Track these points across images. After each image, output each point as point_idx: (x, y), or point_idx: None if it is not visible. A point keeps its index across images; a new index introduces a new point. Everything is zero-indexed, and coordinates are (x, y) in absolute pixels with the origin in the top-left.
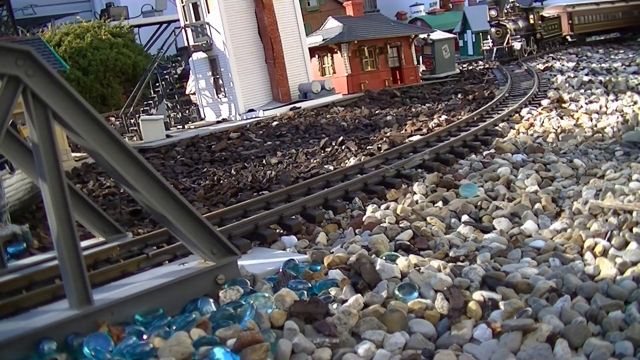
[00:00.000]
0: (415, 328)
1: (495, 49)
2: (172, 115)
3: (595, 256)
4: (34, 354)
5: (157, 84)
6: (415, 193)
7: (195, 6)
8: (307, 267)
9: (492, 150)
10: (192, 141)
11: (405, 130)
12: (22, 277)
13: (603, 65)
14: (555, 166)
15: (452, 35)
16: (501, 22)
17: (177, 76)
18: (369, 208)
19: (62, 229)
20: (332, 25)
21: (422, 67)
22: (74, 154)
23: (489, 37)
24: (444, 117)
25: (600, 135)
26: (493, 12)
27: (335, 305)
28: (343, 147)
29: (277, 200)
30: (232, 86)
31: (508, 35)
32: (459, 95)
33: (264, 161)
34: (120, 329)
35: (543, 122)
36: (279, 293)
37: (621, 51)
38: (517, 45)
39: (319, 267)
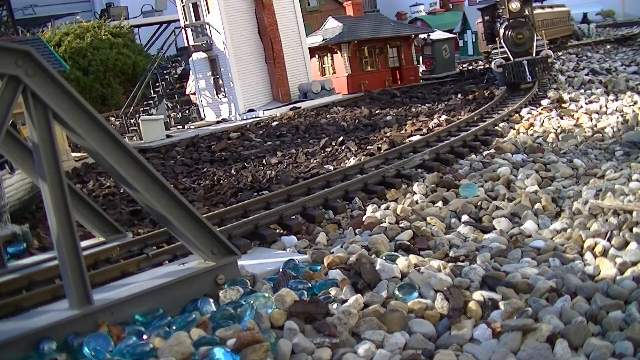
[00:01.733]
0: (415, 328)
1: (527, 63)
2: (172, 115)
3: (595, 256)
4: (34, 354)
5: (157, 84)
6: (415, 193)
7: (195, 6)
8: (307, 267)
9: (492, 150)
10: (192, 141)
11: (405, 130)
12: (22, 277)
13: (603, 65)
14: (555, 166)
15: (452, 35)
16: (526, 20)
17: (177, 76)
18: (369, 208)
19: (62, 229)
20: (332, 25)
21: (422, 67)
22: (74, 154)
23: (501, 43)
24: (444, 117)
25: (600, 135)
26: (514, 5)
27: (335, 305)
28: (343, 147)
29: (277, 200)
30: (232, 86)
31: (535, 40)
32: (459, 95)
33: (264, 161)
34: (120, 329)
35: (543, 122)
36: (279, 293)
37: (621, 51)
38: (551, 53)
39: (319, 267)
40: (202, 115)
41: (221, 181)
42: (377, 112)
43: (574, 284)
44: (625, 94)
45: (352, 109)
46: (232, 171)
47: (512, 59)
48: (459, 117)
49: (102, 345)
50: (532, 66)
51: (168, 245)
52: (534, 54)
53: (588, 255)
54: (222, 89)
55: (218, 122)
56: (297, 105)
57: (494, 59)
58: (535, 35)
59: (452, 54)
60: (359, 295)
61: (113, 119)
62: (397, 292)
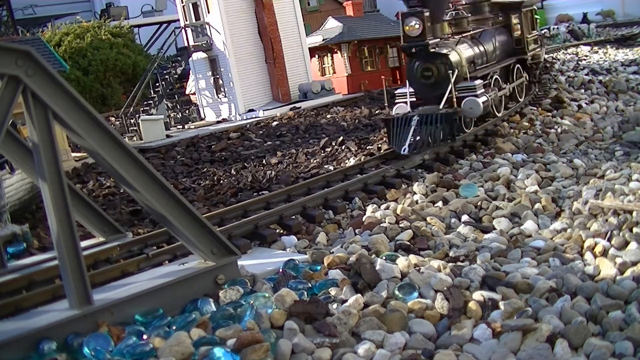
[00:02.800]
0: (415, 328)
1: (416, 122)
2: (172, 115)
3: (595, 256)
4: (34, 354)
5: (157, 84)
6: (415, 193)
7: (195, 6)
8: (307, 267)
9: (492, 150)
10: (192, 141)
11: None
12: (22, 277)
13: (603, 65)
14: (555, 166)
15: None
16: (437, 51)
17: (177, 76)
18: (369, 208)
19: (62, 229)
20: (332, 25)
21: None
22: (74, 154)
23: (408, 82)
24: None
25: (600, 135)
26: (416, 23)
27: (335, 305)
28: (343, 147)
29: (277, 200)
30: (232, 86)
31: (452, 83)
32: None
33: (264, 161)
34: (120, 329)
35: (543, 122)
36: (279, 293)
37: (621, 51)
38: (475, 105)
39: (319, 267)
40: (202, 115)
41: (221, 181)
42: (377, 112)
43: (574, 284)
44: (625, 94)
45: (352, 109)
46: (232, 171)
47: (407, 109)
48: None
49: (102, 345)
50: (424, 126)
51: (168, 245)
52: (443, 104)
53: (588, 255)
54: (222, 89)
55: (218, 122)
56: (297, 105)
57: (395, 103)
58: (457, 71)
59: None
60: (359, 295)
61: (113, 119)
62: (397, 292)
